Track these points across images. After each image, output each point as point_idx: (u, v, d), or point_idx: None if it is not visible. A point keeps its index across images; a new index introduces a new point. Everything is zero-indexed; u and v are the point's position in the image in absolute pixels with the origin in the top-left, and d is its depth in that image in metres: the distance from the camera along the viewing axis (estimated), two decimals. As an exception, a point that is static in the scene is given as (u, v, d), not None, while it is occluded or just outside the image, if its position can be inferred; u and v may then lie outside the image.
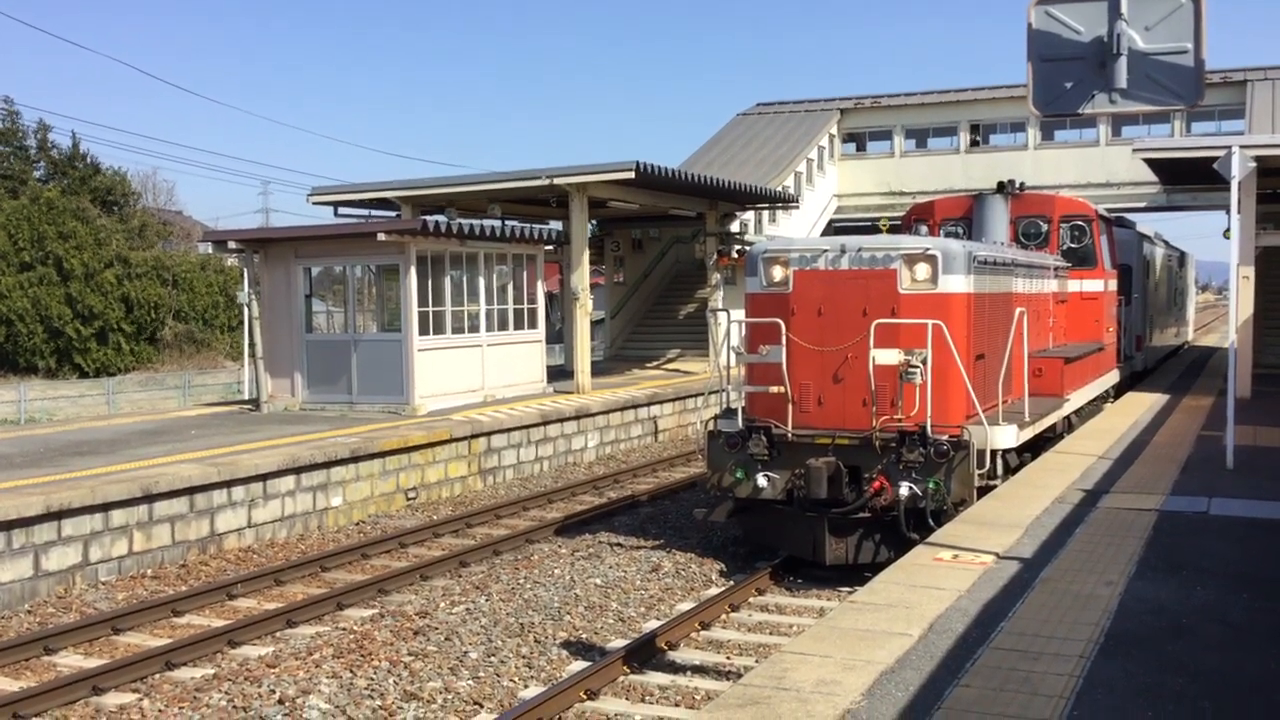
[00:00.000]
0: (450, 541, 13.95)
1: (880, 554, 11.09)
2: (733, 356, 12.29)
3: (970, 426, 10.95)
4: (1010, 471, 11.84)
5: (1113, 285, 17.82)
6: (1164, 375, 24.40)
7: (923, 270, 11.07)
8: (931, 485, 10.72)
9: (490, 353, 20.66)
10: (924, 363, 10.69)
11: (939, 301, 10.98)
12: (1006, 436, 11.33)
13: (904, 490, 10.78)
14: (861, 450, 11.07)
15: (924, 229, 15.86)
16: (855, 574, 11.15)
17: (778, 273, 11.59)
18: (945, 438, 10.76)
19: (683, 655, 9.43)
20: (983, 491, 10.85)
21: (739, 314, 12.45)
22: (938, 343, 10.67)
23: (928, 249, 11.14)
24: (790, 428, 11.40)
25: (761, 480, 11.47)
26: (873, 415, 10.94)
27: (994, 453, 11.14)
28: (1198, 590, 7.37)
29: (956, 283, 11.12)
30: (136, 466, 13.47)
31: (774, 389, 11.42)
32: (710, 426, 12.05)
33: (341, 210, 26.03)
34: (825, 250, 11.42)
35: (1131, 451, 13.08)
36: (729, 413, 12.01)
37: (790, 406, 11.39)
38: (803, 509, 11.28)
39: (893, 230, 15.11)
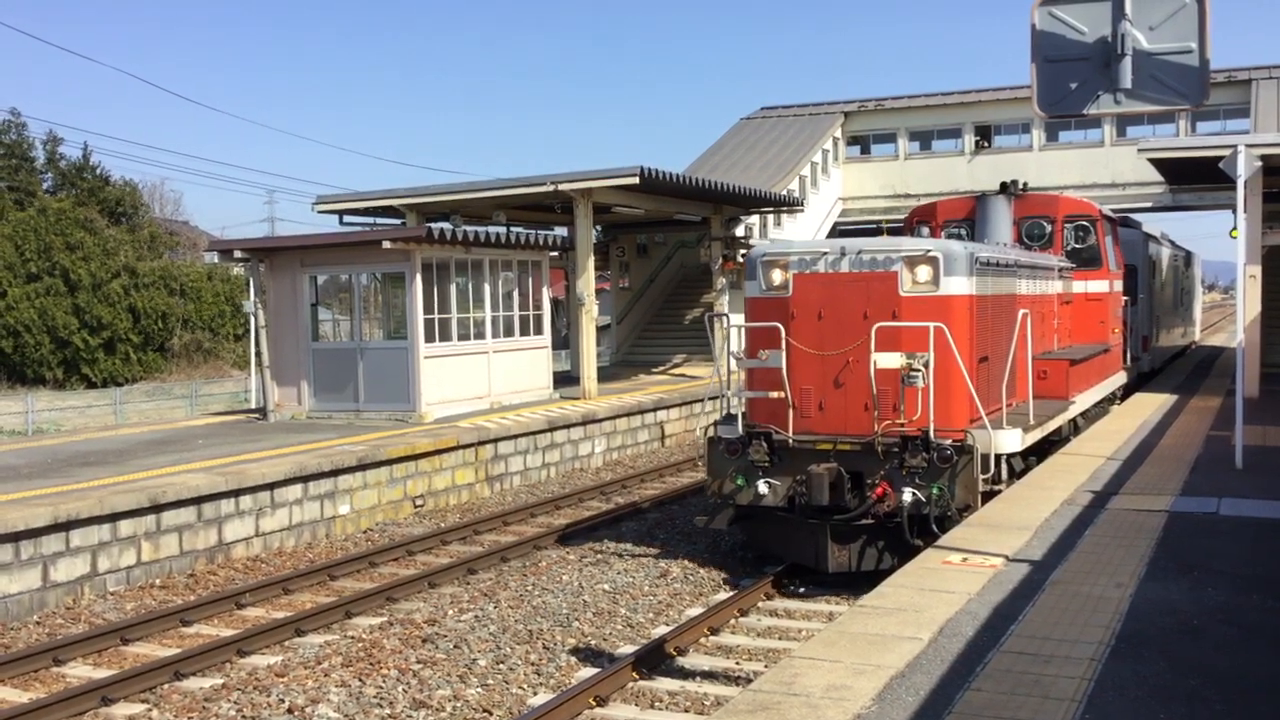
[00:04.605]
0: (458, 549, 13.95)
1: (884, 561, 10.97)
2: (734, 361, 12.20)
3: (974, 431, 10.83)
4: (1015, 476, 11.74)
5: (1118, 286, 17.75)
6: (1171, 376, 24.35)
7: (924, 272, 10.94)
8: (935, 491, 10.59)
9: (496, 359, 20.66)
10: (926, 366, 10.57)
11: (941, 304, 10.87)
12: (1011, 440, 11.18)
13: (907, 496, 10.64)
14: (863, 456, 10.95)
15: (926, 231, 15.80)
16: (860, 578, 11.10)
17: (777, 276, 11.45)
18: (949, 442, 10.64)
19: (692, 661, 9.41)
20: (987, 496, 10.73)
21: (740, 318, 12.36)
22: (940, 346, 10.57)
23: (929, 251, 11.02)
24: (791, 433, 11.27)
25: (762, 487, 11.33)
26: (875, 420, 10.82)
27: (998, 457, 11.00)
28: (1209, 591, 7.34)
29: (958, 284, 11.01)
30: (144, 476, 13.48)
31: (774, 394, 11.28)
32: (710, 433, 11.95)
33: (347, 218, 26.09)
34: (825, 253, 11.29)
35: (1140, 453, 13.04)
36: (729, 418, 11.90)
37: (791, 412, 11.27)
38: (805, 516, 11.17)
39: (894, 232, 15.05)
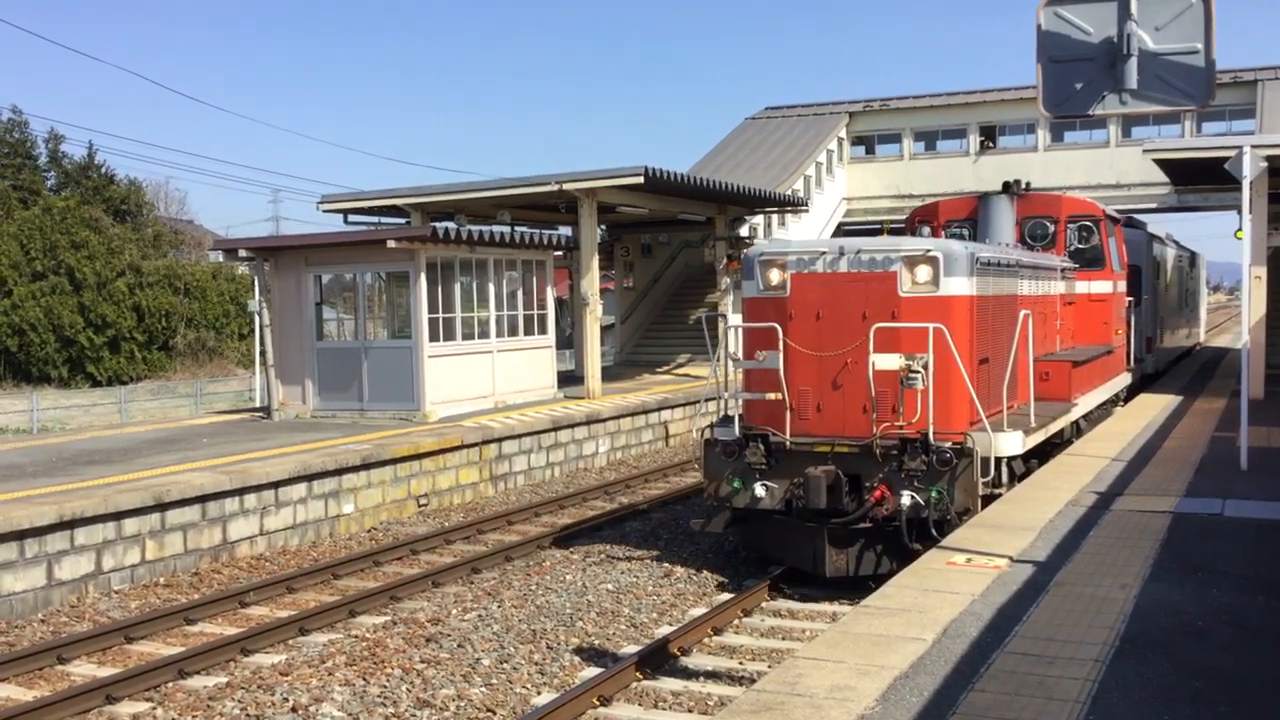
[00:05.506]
0: (462, 548, 13.96)
1: (882, 565, 10.86)
2: (731, 362, 12.11)
3: (974, 433, 10.70)
4: (1016, 479, 11.62)
5: (1122, 286, 17.71)
6: (1176, 377, 24.32)
7: (924, 272, 10.82)
8: (934, 494, 10.48)
9: (501, 359, 20.68)
10: (925, 368, 10.45)
11: (940, 304, 10.76)
12: (1011, 443, 11.05)
13: (906, 499, 10.54)
14: (862, 458, 10.83)
15: (927, 230, 15.72)
16: (860, 581, 11.04)
17: (775, 276, 11.31)
18: (948, 445, 10.54)
19: (695, 661, 9.42)
20: (987, 500, 10.63)
21: (739, 319, 12.25)
22: (939, 347, 10.46)
23: (928, 250, 10.89)
24: (788, 435, 11.12)
25: (759, 490, 11.19)
26: (873, 422, 10.70)
27: (999, 460, 10.88)
28: (1213, 592, 7.33)
29: (959, 285, 10.90)
30: (149, 475, 13.50)
31: (771, 396, 11.15)
32: (707, 434, 11.83)
33: (351, 218, 26.12)
34: (823, 252, 11.15)
35: (1144, 454, 13.03)
36: (726, 420, 11.79)
37: (788, 414, 11.11)
38: (802, 519, 11.07)
39: (894, 232, 14.94)
